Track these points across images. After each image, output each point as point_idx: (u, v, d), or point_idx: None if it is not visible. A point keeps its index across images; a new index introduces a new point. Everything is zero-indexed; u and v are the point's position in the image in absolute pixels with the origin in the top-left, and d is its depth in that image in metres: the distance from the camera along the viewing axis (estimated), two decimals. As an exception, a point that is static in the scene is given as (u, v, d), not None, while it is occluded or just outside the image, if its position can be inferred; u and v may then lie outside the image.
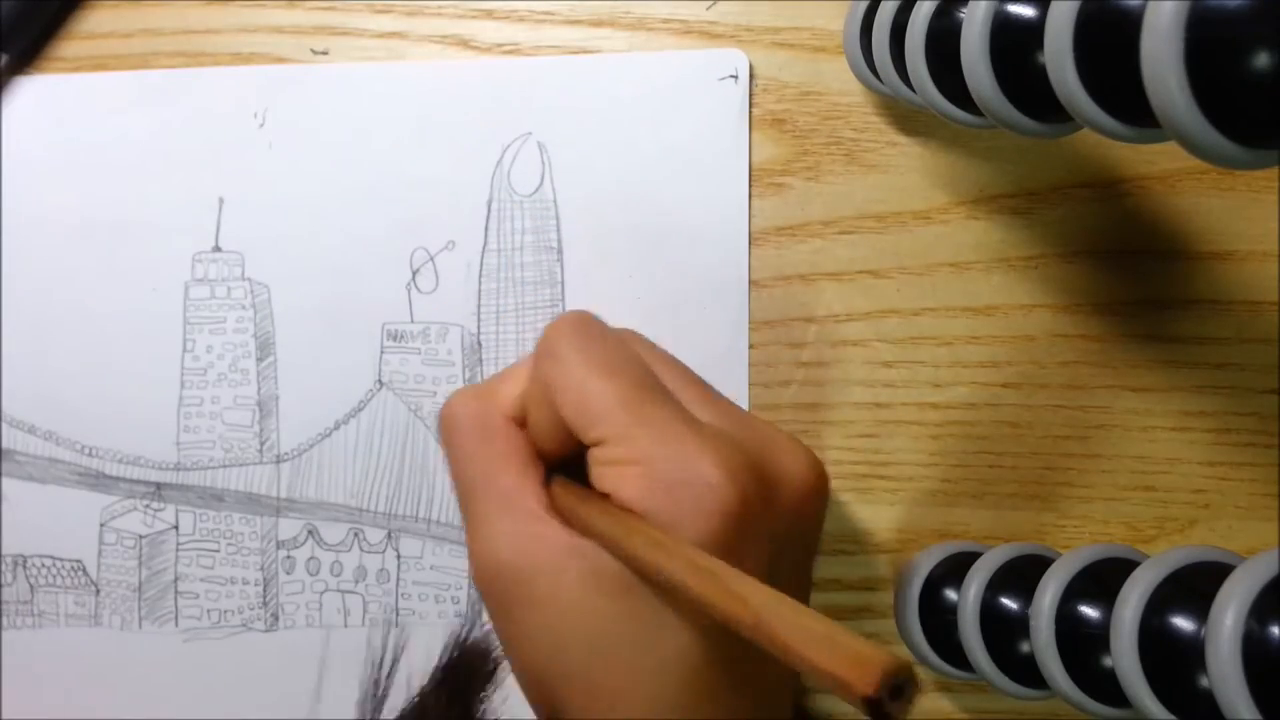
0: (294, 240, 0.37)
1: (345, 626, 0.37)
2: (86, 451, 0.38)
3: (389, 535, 0.37)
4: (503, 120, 0.37)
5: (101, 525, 0.37)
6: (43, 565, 0.38)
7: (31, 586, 0.37)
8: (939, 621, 0.32)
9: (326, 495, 0.37)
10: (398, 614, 0.37)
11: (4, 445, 0.38)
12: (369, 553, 0.37)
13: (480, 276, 0.37)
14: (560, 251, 0.37)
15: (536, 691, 0.25)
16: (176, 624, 0.37)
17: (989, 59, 0.24)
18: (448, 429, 0.27)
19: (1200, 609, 0.23)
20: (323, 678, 0.37)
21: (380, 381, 0.37)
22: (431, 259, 0.37)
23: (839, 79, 0.36)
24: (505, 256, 0.37)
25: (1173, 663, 0.23)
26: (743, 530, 0.23)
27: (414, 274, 0.37)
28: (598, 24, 0.38)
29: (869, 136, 0.37)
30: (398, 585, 0.37)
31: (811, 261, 0.37)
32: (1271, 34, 0.17)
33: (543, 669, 0.25)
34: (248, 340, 0.37)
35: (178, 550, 0.37)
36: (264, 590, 0.37)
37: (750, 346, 0.36)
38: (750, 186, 0.36)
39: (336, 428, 0.37)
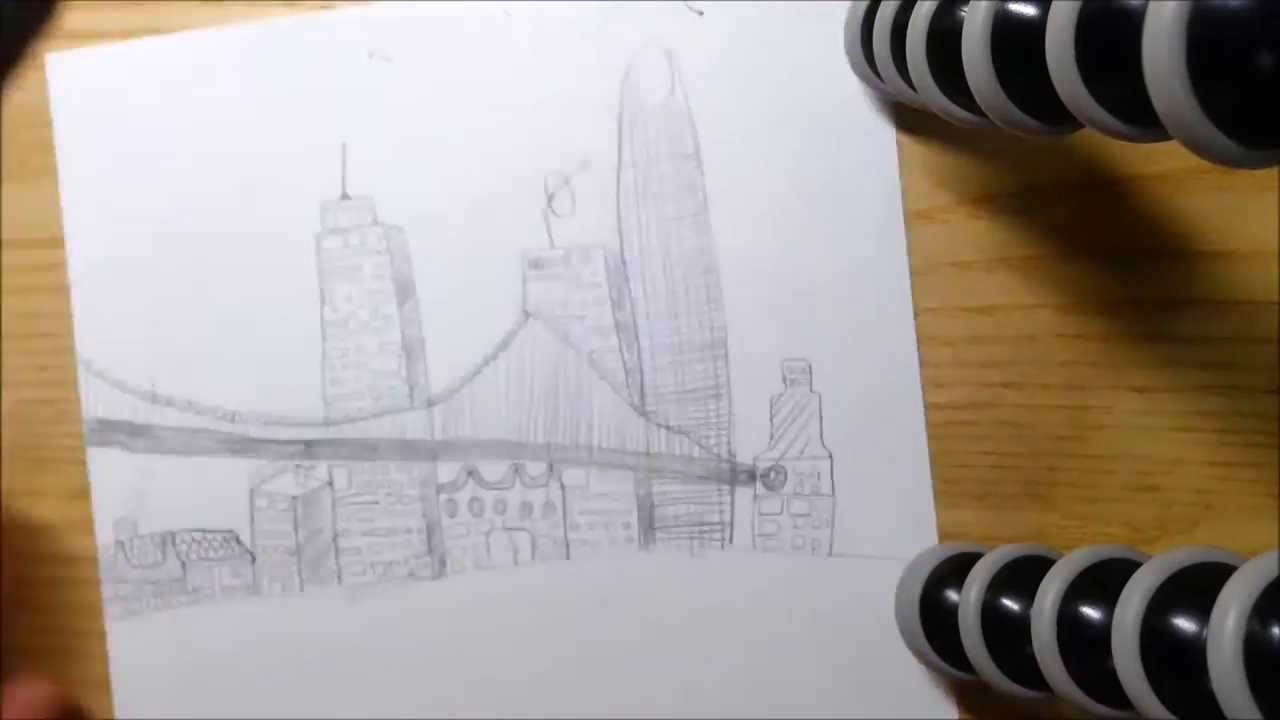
0: (423, 179, 0.37)
1: (515, 564, 0.36)
2: (229, 418, 0.37)
3: (550, 467, 0.36)
4: (624, 30, 0.36)
5: (251, 491, 0.37)
6: (193, 540, 0.37)
7: (183, 563, 0.37)
8: (940, 622, 0.32)
9: (482, 433, 0.36)
10: (568, 546, 0.36)
11: (144, 421, 0.37)
12: (531, 487, 0.36)
13: (618, 193, 0.36)
14: (700, 160, 0.36)
15: None
16: (340, 582, 0.36)
17: (990, 58, 0.24)
18: None
19: (1202, 610, 0.22)
20: (497, 620, 0.36)
21: (526, 312, 0.36)
22: (566, 181, 0.36)
23: (840, 78, 0.36)
24: (642, 170, 0.36)
25: (1174, 664, 0.23)
26: None
27: (549, 199, 0.36)
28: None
29: (870, 136, 0.37)
30: (565, 517, 0.36)
31: (812, 261, 0.36)
32: (1273, 33, 0.17)
33: None
34: (386, 285, 0.37)
35: (334, 507, 0.37)
36: (428, 537, 0.36)
37: (751, 346, 0.36)
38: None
39: (486, 364, 0.36)
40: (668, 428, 0.36)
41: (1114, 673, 0.24)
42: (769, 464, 0.36)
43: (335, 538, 0.37)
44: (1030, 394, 0.36)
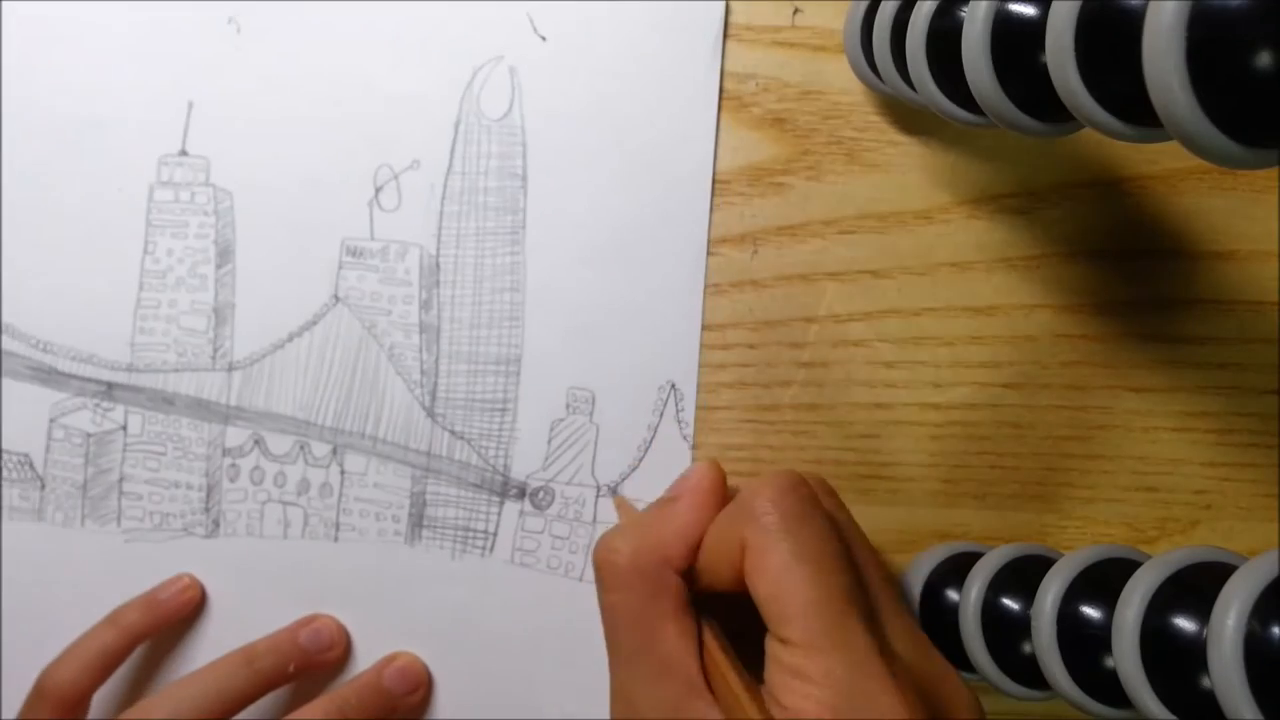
0: (260, 150, 0.37)
1: (285, 538, 0.37)
2: (41, 347, 0.37)
3: (334, 450, 0.37)
4: (474, 41, 0.37)
5: (51, 421, 0.37)
6: None
7: None
8: (940, 622, 0.32)
9: (275, 406, 0.37)
10: (338, 529, 0.37)
11: None
12: (313, 466, 0.37)
13: (443, 198, 0.37)
14: (525, 179, 0.37)
15: None
16: (119, 524, 0.37)
17: (990, 58, 0.24)
18: (608, 576, 0.28)
19: (1202, 610, 0.22)
20: (261, 587, 0.37)
21: (336, 296, 0.37)
22: (396, 177, 0.37)
23: (840, 78, 0.36)
24: (469, 180, 0.37)
25: (1174, 663, 0.23)
26: None
27: (377, 191, 0.37)
28: None
29: (870, 136, 0.37)
30: (340, 501, 0.37)
31: (812, 261, 0.36)
32: (1273, 33, 0.17)
33: None
34: (208, 246, 0.37)
35: (124, 451, 0.37)
36: (207, 496, 0.37)
37: (750, 347, 0.36)
38: (719, 115, 0.36)
39: (290, 339, 0.37)
40: (452, 432, 0.37)
41: (1114, 672, 0.24)
42: (540, 484, 0.37)
43: (121, 480, 0.37)
44: (1030, 394, 0.36)
